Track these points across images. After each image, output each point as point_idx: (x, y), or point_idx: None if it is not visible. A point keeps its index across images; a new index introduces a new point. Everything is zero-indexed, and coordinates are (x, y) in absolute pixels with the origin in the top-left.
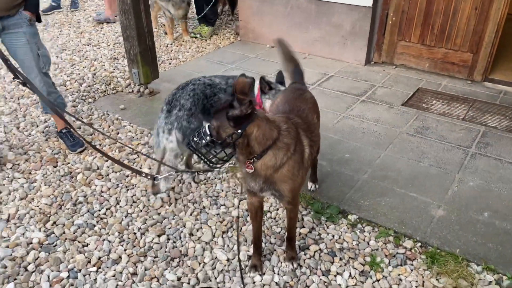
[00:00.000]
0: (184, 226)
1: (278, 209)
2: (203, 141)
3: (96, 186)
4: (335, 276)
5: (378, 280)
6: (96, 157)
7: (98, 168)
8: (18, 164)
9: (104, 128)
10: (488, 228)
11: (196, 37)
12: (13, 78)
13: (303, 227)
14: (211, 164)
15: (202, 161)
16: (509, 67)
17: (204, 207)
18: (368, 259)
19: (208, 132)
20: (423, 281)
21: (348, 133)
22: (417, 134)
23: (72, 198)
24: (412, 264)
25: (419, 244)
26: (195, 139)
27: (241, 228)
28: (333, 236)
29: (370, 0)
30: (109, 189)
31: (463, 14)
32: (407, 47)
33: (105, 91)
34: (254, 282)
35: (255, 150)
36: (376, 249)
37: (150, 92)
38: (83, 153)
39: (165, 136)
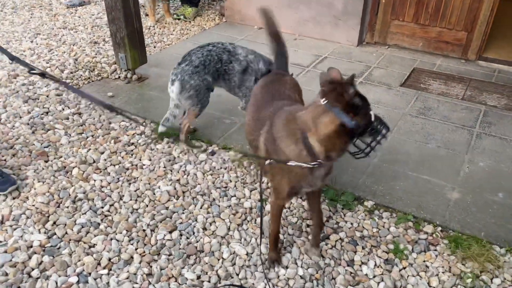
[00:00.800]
0: (196, 220)
1: (297, 199)
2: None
3: (95, 181)
4: (360, 266)
5: (404, 268)
6: (90, 149)
7: (94, 162)
8: (5, 160)
9: (94, 118)
10: (505, 209)
11: (179, 19)
12: (29, 72)
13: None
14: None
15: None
16: (503, 46)
17: (214, 199)
18: (391, 246)
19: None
20: (450, 267)
21: None
22: (420, 115)
23: (70, 195)
24: (436, 250)
25: (439, 228)
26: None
27: (255, 220)
28: (351, 224)
29: None
30: (109, 183)
31: None
32: (400, 26)
33: (89, 77)
34: (278, 277)
35: None
36: (397, 236)
37: (138, 78)
38: (76, 145)
39: (169, 85)
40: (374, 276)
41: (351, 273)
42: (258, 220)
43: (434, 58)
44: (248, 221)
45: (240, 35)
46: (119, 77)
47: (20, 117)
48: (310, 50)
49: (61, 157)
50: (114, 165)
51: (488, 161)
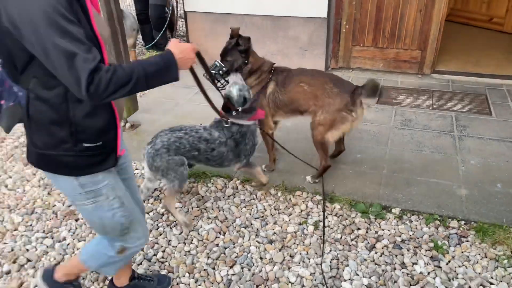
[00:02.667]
0: (250, 252)
1: (333, 216)
2: (220, 71)
3: None
4: (412, 266)
5: (449, 261)
6: None
7: None
8: (31, 225)
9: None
10: (508, 197)
11: None
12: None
13: (359, 228)
14: (221, 87)
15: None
16: (450, 59)
17: (257, 229)
18: (430, 244)
19: (223, 65)
20: (485, 253)
21: (348, 136)
22: (404, 127)
23: None
24: (468, 241)
25: (463, 222)
26: (213, 71)
27: (303, 242)
28: (388, 230)
29: (325, 11)
30: (150, 231)
31: (409, 17)
32: (361, 51)
33: None
34: None
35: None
36: (431, 235)
37: (131, 125)
38: None
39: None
40: (428, 273)
41: (407, 274)
42: (307, 241)
43: (395, 76)
44: (297, 244)
45: None
46: None
47: (28, 180)
48: None
49: None
50: (148, 213)
51: (477, 158)
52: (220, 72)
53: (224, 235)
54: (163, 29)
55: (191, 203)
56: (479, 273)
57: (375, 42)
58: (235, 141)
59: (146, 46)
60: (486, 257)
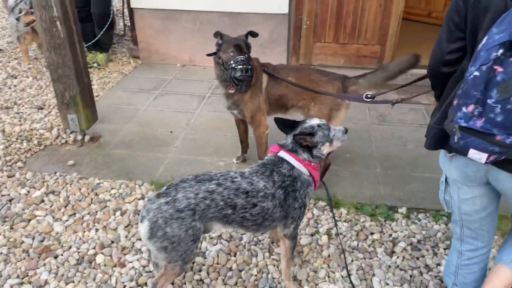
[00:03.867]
0: (269, 271)
1: (343, 223)
2: (250, 66)
3: (131, 262)
4: (436, 266)
5: None
6: (98, 229)
7: (113, 242)
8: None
9: (75, 194)
10: None
11: (91, 67)
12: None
13: (372, 233)
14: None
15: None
16: (403, 53)
17: (269, 245)
18: (447, 242)
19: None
20: (499, 245)
21: None
22: (382, 123)
23: (116, 286)
24: None
25: None
26: (245, 66)
27: (321, 254)
28: (402, 232)
29: (286, 7)
30: (149, 261)
31: (370, 12)
32: (323, 47)
33: (29, 149)
34: None
35: None
36: (444, 232)
37: (91, 138)
38: (77, 229)
39: (139, 220)
40: None
41: (435, 276)
42: (324, 253)
43: (356, 71)
44: (315, 257)
45: (167, 74)
46: (66, 141)
47: None
48: None
49: (70, 247)
50: (140, 239)
51: None
52: (250, 66)
53: (235, 256)
54: (105, 26)
55: None
56: None
57: (336, 38)
58: (284, 191)
59: (87, 45)
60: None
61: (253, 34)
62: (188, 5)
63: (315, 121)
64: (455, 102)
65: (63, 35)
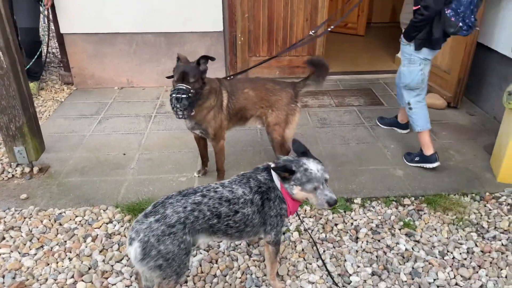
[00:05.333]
0: (252, 272)
1: (309, 218)
2: (190, 95)
3: (113, 284)
4: (396, 245)
5: (421, 235)
6: (71, 258)
7: (91, 268)
8: None
9: (37, 227)
10: (432, 170)
11: None
12: None
13: (336, 224)
14: (183, 114)
15: (178, 113)
16: (335, 61)
17: (247, 249)
18: (400, 223)
19: (190, 87)
20: (443, 220)
21: None
22: (324, 125)
23: None
24: (425, 213)
25: (413, 198)
26: (182, 95)
27: (295, 250)
28: (361, 220)
29: (220, 25)
30: (132, 282)
31: (298, 26)
32: (258, 61)
33: None
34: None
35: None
36: (396, 215)
37: (40, 169)
38: (49, 260)
39: (127, 244)
40: (412, 248)
41: (397, 253)
42: (298, 247)
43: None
44: (291, 253)
45: (106, 98)
46: (13, 176)
47: None
48: None
49: (46, 279)
50: (119, 261)
51: (394, 142)
52: (190, 95)
53: (217, 262)
54: (37, 55)
55: None
56: (448, 238)
57: (269, 51)
58: (261, 196)
59: None
60: (444, 223)
61: (207, 58)
62: (122, 28)
63: (310, 164)
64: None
65: (6, 66)
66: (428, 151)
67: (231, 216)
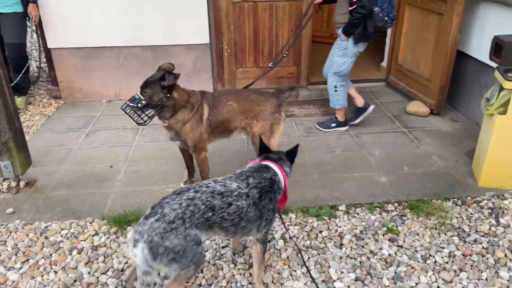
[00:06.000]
0: (237, 281)
1: (294, 226)
2: (139, 104)
3: None
4: (380, 251)
5: (404, 240)
6: (57, 271)
7: (76, 280)
8: None
9: (23, 241)
10: (415, 175)
11: None
12: None
13: (321, 231)
14: (142, 122)
15: (134, 120)
16: (320, 71)
17: (232, 258)
18: (384, 229)
19: (142, 98)
20: (425, 225)
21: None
22: (309, 134)
23: None
24: (408, 218)
25: (396, 204)
26: (130, 104)
27: (280, 257)
28: (345, 226)
29: (207, 38)
30: None
31: (283, 38)
32: (245, 72)
33: None
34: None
35: (174, 109)
36: (380, 221)
37: (27, 183)
38: (34, 273)
39: (130, 247)
40: (395, 253)
41: (380, 259)
42: (283, 255)
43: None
44: (276, 261)
45: (94, 111)
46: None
47: None
48: None
49: None
50: (105, 273)
51: (378, 149)
52: (139, 105)
53: (202, 272)
54: (24, 70)
55: None
56: (430, 242)
57: (256, 62)
58: (259, 191)
59: None
60: (426, 227)
61: (172, 74)
62: (109, 42)
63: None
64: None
65: None
66: (342, 118)
67: (224, 208)
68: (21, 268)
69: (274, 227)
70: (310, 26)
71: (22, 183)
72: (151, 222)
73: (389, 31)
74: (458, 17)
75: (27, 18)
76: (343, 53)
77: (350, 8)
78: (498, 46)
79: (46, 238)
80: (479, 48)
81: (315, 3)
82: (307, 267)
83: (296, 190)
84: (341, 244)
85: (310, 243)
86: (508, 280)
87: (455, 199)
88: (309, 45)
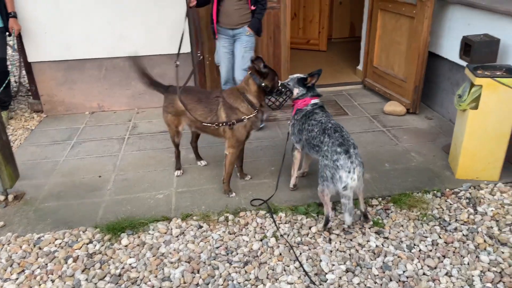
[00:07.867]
0: (233, 279)
1: (285, 224)
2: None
3: None
4: (367, 243)
5: (389, 232)
6: (53, 280)
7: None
8: None
9: (16, 253)
10: (396, 171)
11: None
12: None
13: (310, 227)
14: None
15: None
16: None
17: (227, 257)
18: (370, 222)
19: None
20: (408, 217)
21: (250, 155)
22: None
23: None
24: (392, 211)
25: (380, 199)
26: (283, 89)
27: (273, 254)
28: (333, 222)
29: (188, 47)
30: None
31: (262, 44)
32: None
33: None
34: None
35: None
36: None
37: (15, 196)
38: (32, 283)
39: (344, 176)
40: (382, 245)
41: (368, 250)
42: (276, 252)
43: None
44: (270, 258)
45: (77, 123)
46: None
47: None
48: (159, 118)
49: None
50: (103, 279)
51: (360, 148)
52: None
53: (198, 272)
54: (4, 84)
55: (144, 255)
56: (414, 232)
57: None
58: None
59: None
60: (410, 219)
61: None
62: (91, 54)
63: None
64: None
65: None
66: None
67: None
68: (17, 278)
69: (265, 226)
70: (288, 33)
71: (10, 197)
72: (353, 151)
73: (363, 36)
74: (428, 20)
75: (7, 32)
76: (250, 48)
77: (252, 8)
78: (467, 46)
79: (40, 248)
80: (449, 49)
81: (190, 6)
82: (299, 262)
83: (284, 190)
84: (330, 239)
85: (301, 239)
86: (488, 263)
87: (435, 191)
88: (288, 49)
